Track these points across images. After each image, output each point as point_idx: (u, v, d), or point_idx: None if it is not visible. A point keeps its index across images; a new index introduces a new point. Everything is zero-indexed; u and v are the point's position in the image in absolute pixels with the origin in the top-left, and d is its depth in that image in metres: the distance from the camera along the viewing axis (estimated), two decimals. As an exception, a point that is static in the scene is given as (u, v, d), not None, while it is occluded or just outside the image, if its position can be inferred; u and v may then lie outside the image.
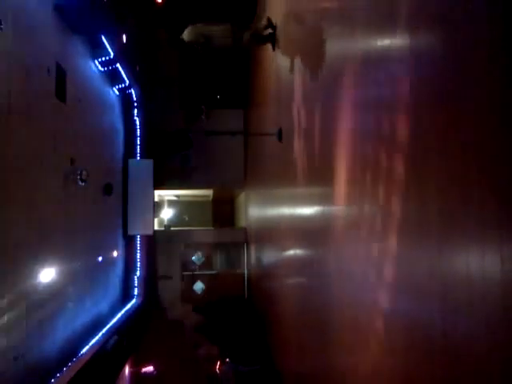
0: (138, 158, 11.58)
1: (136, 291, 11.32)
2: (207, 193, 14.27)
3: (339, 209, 3.76)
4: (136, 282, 11.35)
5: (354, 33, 3.40)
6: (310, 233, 4.79)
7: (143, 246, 11.83)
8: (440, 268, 2.06)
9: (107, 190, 9.34)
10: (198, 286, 12.05)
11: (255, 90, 10.18)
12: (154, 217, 11.90)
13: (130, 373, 11.17)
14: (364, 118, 3.15)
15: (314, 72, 4.64)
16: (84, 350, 7.12)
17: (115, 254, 10.25)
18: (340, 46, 3.79)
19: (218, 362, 9.10)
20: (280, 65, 6.91)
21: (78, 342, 7.22)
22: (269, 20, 6.64)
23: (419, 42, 2.32)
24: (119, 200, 10.82)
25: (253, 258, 11.26)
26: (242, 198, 13.26)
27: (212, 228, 13.58)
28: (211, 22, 6.43)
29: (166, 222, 14.67)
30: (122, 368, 9.26)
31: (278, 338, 7.13)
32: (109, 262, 9.75)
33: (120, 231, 10.99)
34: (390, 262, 2.67)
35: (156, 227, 12.52)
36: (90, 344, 7.45)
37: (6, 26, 4.98)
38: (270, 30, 6.59)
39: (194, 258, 12.25)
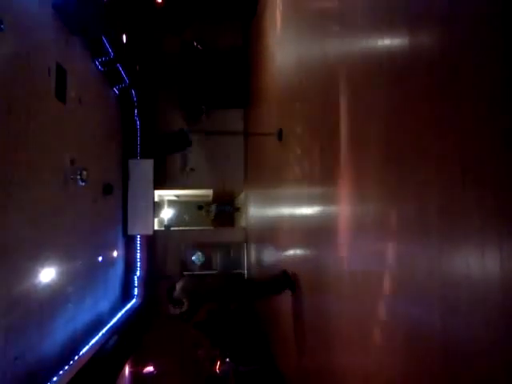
0: (138, 158, 11.57)
1: (136, 291, 11.32)
2: (207, 193, 14.24)
3: (339, 208, 3.77)
4: (136, 282, 11.35)
5: (352, 33, 3.41)
6: (309, 232, 4.79)
7: (143, 246, 11.82)
8: (440, 268, 2.06)
9: (107, 189, 9.33)
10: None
11: (255, 90, 10.18)
12: (154, 217, 11.89)
13: (130, 373, 11.17)
14: (364, 118, 3.15)
15: (315, 72, 4.65)
16: (84, 350, 7.11)
17: (115, 253, 10.25)
18: (339, 47, 3.80)
19: (218, 362, 9.09)
20: (281, 65, 6.92)
21: (79, 342, 7.21)
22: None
23: (418, 41, 2.32)
24: (119, 200, 10.81)
25: (253, 257, 11.25)
26: (242, 197, 13.24)
27: (212, 228, 13.54)
28: None
29: (166, 222, 14.64)
30: (122, 368, 9.25)
31: (278, 337, 7.13)
32: (109, 262, 9.75)
33: (120, 231, 10.99)
34: (389, 261, 2.67)
35: (156, 227, 12.50)
36: (90, 344, 7.44)
37: (7, 25, 4.97)
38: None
39: (194, 257, 12.26)
